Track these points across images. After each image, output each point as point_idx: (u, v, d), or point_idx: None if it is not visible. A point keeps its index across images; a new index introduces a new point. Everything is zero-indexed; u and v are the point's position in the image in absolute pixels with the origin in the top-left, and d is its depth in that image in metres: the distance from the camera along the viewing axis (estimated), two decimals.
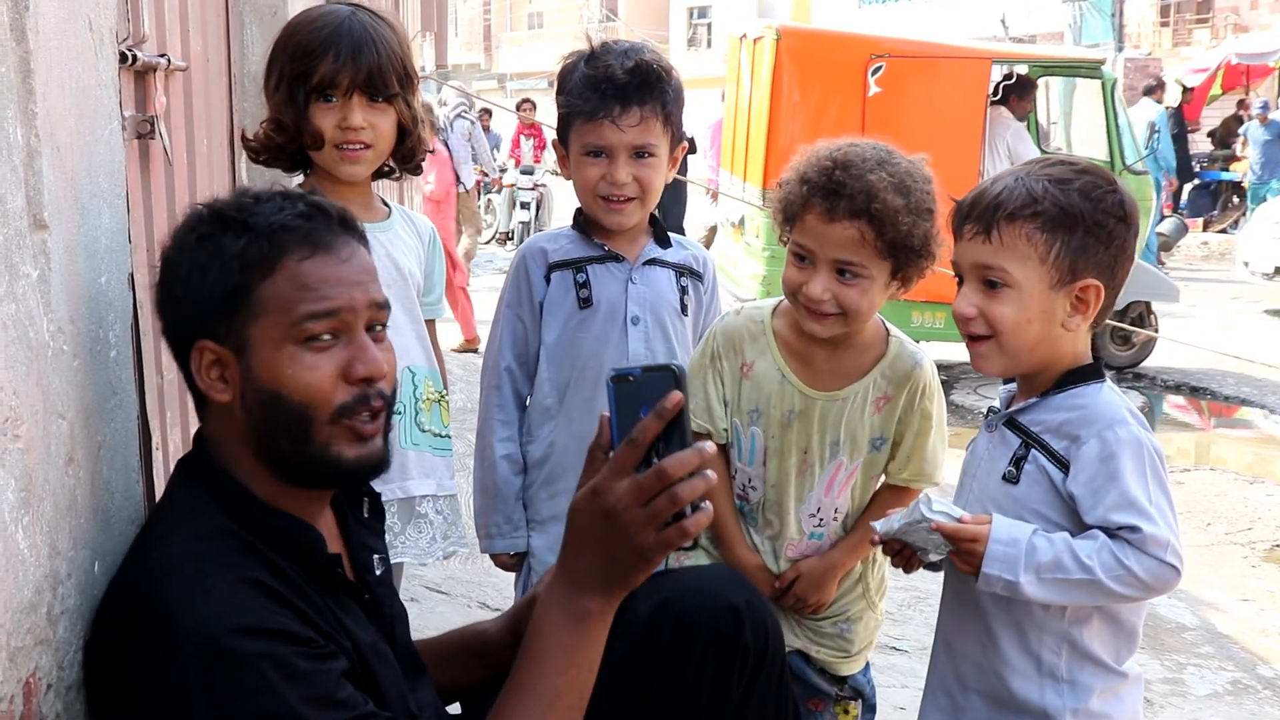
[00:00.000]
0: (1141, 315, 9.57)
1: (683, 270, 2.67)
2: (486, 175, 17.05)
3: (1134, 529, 1.87)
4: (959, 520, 1.95)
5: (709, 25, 43.41)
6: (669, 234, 2.69)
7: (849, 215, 2.24)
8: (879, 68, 8.62)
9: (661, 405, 1.56)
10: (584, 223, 2.63)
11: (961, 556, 1.97)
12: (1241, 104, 19.34)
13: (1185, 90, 18.76)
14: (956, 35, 15.28)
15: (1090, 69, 9.83)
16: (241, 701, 1.42)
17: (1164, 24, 27.64)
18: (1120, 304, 9.03)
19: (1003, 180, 2.01)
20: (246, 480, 1.63)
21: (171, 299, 1.64)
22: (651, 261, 2.63)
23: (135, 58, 2.23)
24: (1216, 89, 19.29)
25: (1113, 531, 1.90)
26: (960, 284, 2.05)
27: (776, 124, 8.67)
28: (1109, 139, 9.26)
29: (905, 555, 2.06)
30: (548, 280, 2.60)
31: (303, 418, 1.59)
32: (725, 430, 2.50)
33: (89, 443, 1.63)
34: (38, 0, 1.45)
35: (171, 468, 2.41)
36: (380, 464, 1.69)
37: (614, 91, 2.48)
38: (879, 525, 2.05)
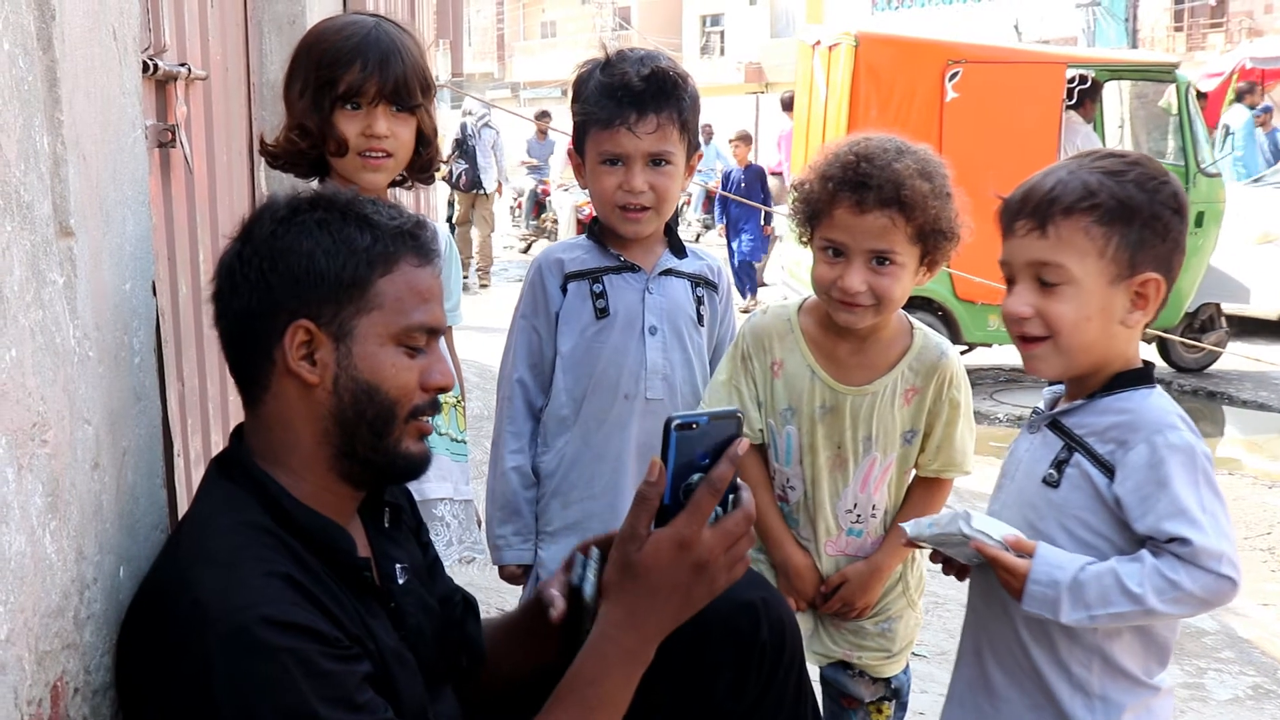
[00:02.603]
0: (1212, 317, 9.54)
1: (698, 280, 2.66)
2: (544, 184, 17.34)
3: (1185, 541, 1.80)
4: (1001, 543, 1.89)
5: (721, 33, 43.43)
6: (684, 244, 2.69)
7: (879, 205, 2.28)
8: (956, 73, 8.64)
9: (734, 451, 1.65)
10: (599, 233, 2.63)
11: (1002, 580, 1.91)
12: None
13: (1200, 95, 18.68)
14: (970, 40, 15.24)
15: (1164, 72, 9.79)
16: (262, 693, 1.43)
17: (1178, 28, 27.58)
18: (1192, 306, 9.00)
19: (1055, 174, 1.95)
20: (287, 478, 1.65)
21: (280, 272, 1.64)
22: (667, 272, 2.62)
23: (156, 67, 2.25)
24: (1232, 94, 19.19)
25: (1160, 546, 1.82)
26: (1011, 284, 1.98)
27: (855, 130, 8.63)
28: (1183, 141, 9.20)
29: (954, 564, 2.03)
30: (564, 290, 2.60)
31: (390, 414, 1.67)
32: (761, 431, 2.52)
33: (114, 448, 1.63)
34: (63, 9, 1.47)
35: (193, 474, 2.43)
36: (429, 460, 1.76)
37: (630, 99, 2.47)
38: (909, 528, 2.02)
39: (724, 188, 12.84)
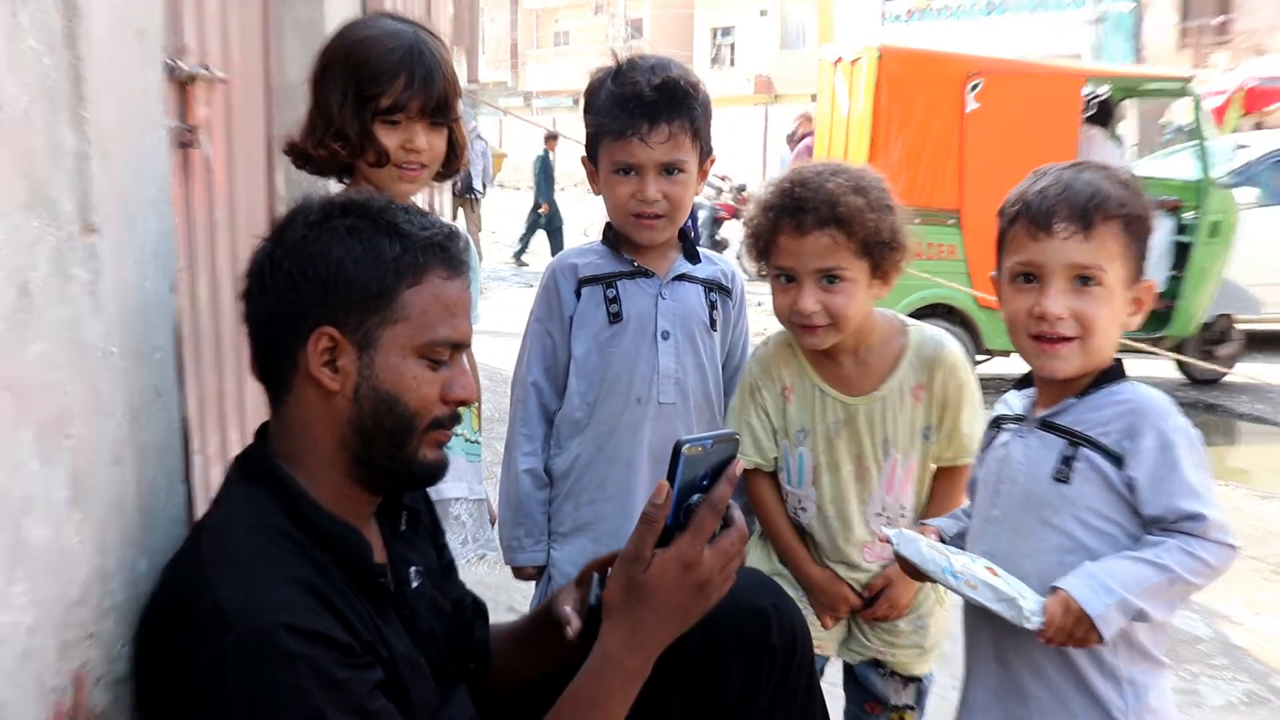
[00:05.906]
0: (1225, 329, 9.62)
1: (711, 285, 2.68)
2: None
3: (1199, 517, 1.86)
4: (1040, 611, 1.89)
5: (732, 45, 43.49)
6: (698, 249, 2.71)
7: (817, 225, 2.35)
8: (977, 84, 8.77)
9: (731, 472, 1.70)
10: (613, 238, 2.65)
11: (1062, 637, 1.89)
12: (1259, 128, 19.25)
13: None
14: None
15: (1178, 86, 9.86)
16: (275, 697, 1.44)
17: (1184, 46, 27.56)
18: (1207, 317, 9.11)
19: (1077, 179, 1.99)
20: (306, 480, 1.66)
21: (308, 277, 1.64)
22: (681, 277, 2.64)
23: (178, 68, 2.26)
24: (1238, 111, 19.19)
25: (1170, 525, 1.88)
26: (1022, 283, 2.01)
27: (878, 143, 8.82)
28: (1199, 154, 9.32)
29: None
30: (578, 295, 2.62)
31: (409, 425, 1.67)
32: (775, 458, 2.57)
33: (135, 443, 1.65)
34: (89, 8, 1.48)
35: (210, 472, 2.45)
36: (445, 468, 1.77)
37: (642, 109, 2.49)
38: (897, 542, 2.02)
39: None
